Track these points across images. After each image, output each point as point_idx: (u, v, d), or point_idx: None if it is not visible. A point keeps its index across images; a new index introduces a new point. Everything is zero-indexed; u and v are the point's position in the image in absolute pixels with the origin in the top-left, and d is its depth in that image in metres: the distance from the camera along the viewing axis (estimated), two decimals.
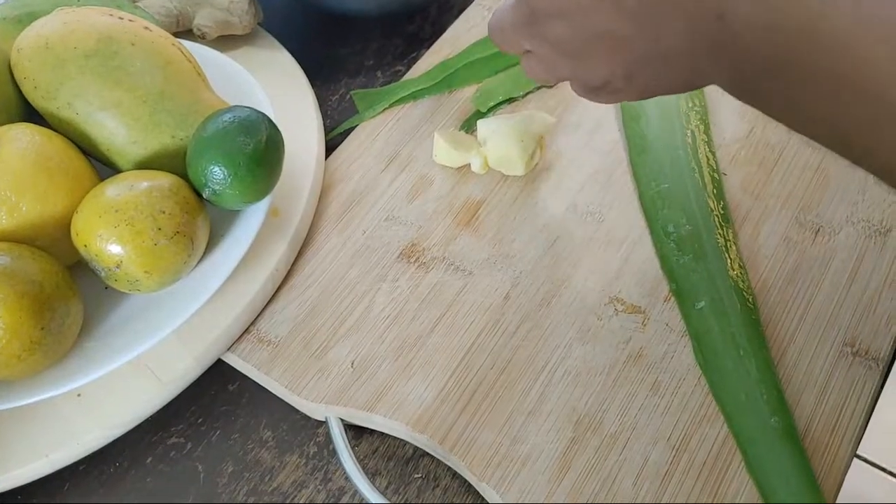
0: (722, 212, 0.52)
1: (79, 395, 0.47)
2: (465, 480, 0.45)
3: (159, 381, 0.48)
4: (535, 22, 0.41)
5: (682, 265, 0.50)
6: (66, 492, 0.48)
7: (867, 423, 0.44)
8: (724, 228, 0.51)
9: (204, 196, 0.48)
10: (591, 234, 0.52)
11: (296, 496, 0.46)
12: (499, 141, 0.54)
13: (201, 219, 0.48)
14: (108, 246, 0.44)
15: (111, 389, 0.48)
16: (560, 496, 0.43)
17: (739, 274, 0.49)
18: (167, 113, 0.49)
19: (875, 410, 0.45)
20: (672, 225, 0.51)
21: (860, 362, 0.46)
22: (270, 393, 0.50)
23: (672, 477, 0.43)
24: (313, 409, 0.48)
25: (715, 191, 0.53)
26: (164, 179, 0.47)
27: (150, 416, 0.49)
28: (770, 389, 0.45)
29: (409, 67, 0.65)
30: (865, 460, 0.43)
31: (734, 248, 0.50)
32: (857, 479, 0.43)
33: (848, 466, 0.43)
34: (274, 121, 0.50)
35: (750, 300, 0.48)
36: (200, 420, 0.50)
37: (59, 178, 0.47)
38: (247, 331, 0.51)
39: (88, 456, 0.48)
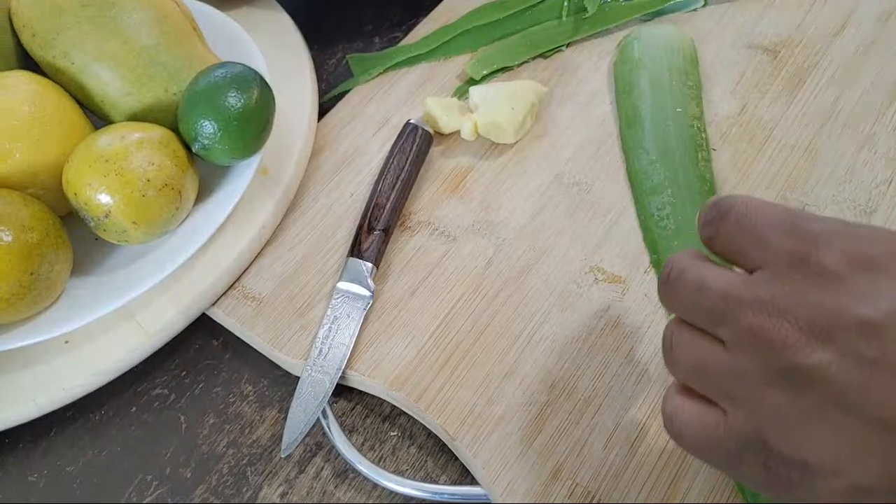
0: (708, 186, 0.52)
1: (66, 342, 0.48)
2: (440, 440, 0.46)
3: (145, 332, 0.49)
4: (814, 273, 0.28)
5: (664, 237, 0.50)
6: (53, 436, 0.49)
7: None
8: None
9: (194, 150, 0.49)
10: (577, 203, 0.53)
11: (273, 450, 0.47)
12: (489, 108, 0.54)
13: (191, 173, 0.49)
14: (97, 195, 0.45)
15: (98, 338, 0.49)
16: (531, 457, 0.43)
17: None
18: (161, 66, 0.49)
19: None
20: (657, 197, 0.52)
21: None
22: (253, 349, 0.51)
23: (641, 443, 0.44)
24: (294, 365, 0.49)
25: (703, 165, 0.53)
26: (156, 132, 0.48)
27: (136, 368, 0.50)
28: None
29: (406, 34, 0.65)
30: None
31: None
32: None
33: None
34: (267, 79, 0.50)
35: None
36: (184, 373, 0.51)
37: (53, 126, 0.47)
38: (232, 286, 0.52)
39: (75, 403, 0.49)
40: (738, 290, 0.30)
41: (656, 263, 0.50)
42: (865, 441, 0.26)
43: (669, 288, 0.33)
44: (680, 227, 0.50)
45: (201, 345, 0.52)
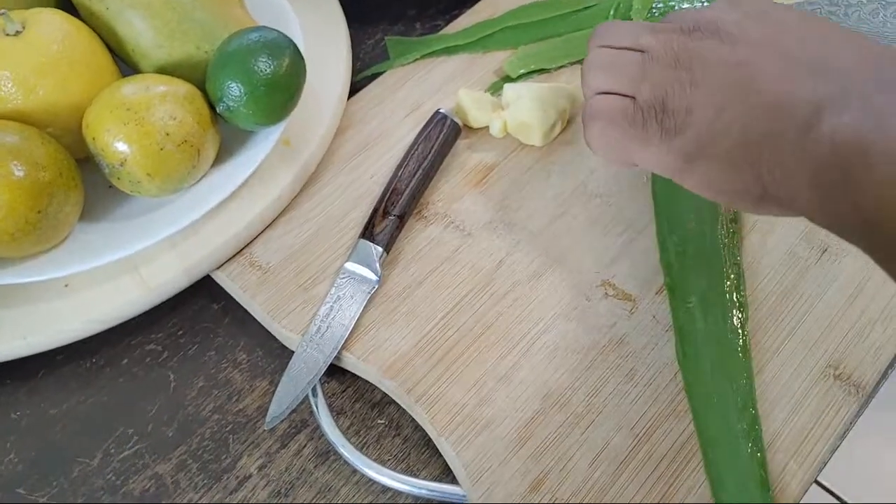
0: (732, 215, 0.51)
1: (66, 285, 0.48)
2: (426, 435, 0.45)
3: (146, 286, 0.48)
4: (694, 30, 0.41)
5: (681, 260, 0.49)
6: (41, 378, 0.49)
7: (834, 449, 0.44)
8: (731, 232, 0.50)
9: (218, 111, 0.48)
10: (597, 216, 0.52)
11: (258, 421, 0.47)
12: (521, 107, 0.54)
13: (212, 133, 0.48)
14: (114, 142, 0.45)
15: (98, 286, 0.48)
16: (514, 464, 0.43)
17: (734, 280, 0.48)
18: (196, 23, 0.49)
19: (846, 440, 0.44)
20: (679, 219, 0.51)
21: (840, 386, 0.45)
22: (252, 318, 0.50)
23: (629, 464, 0.43)
24: (291, 339, 0.48)
25: None
26: (182, 87, 0.47)
27: (133, 320, 0.50)
28: (744, 396, 0.44)
29: (449, 23, 0.64)
30: (823, 487, 0.43)
31: (737, 252, 0.50)
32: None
33: (805, 489, 0.42)
34: (301, 50, 0.49)
35: (742, 307, 0.48)
36: (181, 332, 0.51)
37: (80, 68, 0.47)
38: (240, 252, 0.51)
39: (67, 347, 0.49)
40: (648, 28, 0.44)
41: (669, 286, 0.49)
42: (721, 80, 0.39)
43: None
44: (698, 252, 0.49)
45: (201, 306, 0.52)
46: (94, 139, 0.45)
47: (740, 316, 0.47)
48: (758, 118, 0.37)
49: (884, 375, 0.46)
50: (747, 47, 0.39)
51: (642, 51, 0.42)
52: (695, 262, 0.49)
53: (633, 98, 0.42)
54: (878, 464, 0.41)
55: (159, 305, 0.50)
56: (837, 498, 0.41)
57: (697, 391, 0.45)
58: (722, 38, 0.40)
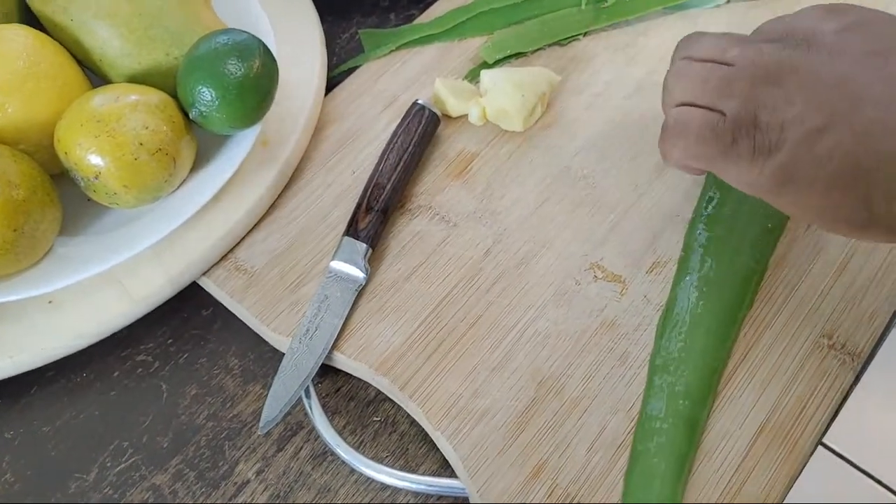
0: None
1: (50, 301, 0.48)
2: (423, 429, 0.45)
3: (131, 298, 0.48)
4: (788, 42, 0.39)
5: (701, 239, 0.49)
6: (33, 394, 0.48)
7: (834, 416, 0.44)
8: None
9: (191, 117, 0.47)
10: (582, 198, 0.52)
11: (253, 426, 0.47)
12: (499, 93, 0.53)
13: (187, 139, 0.47)
14: (87, 155, 0.44)
15: (82, 300, 0.48)
16: (512, 454, 0.42)
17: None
18: (163, 29, 0.48)
19: (846, 404, 0.44)
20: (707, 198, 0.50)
21: (834, 356, 0.45)
22: (241, 322, 0.50)
23: (626, 448, 0.42)
24: (281, 341, 0.48)
25: None
26: (153, 95, 0.47)
27: (122, 332, 0.49)
28: (699, 374, 0.44)
29: (423, 12, 0.63)
30: (830, 449, 0.42)
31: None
32: (820, 467, 0.42)
33: (808, 457, 0.42)
34: (272, 50, 0.49)
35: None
36: (171, 341, 0.50)
37: (48, 83, 0.46)
38: (224, 257, 0.51)
39: (58, 363, 0.48)
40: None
41: (682, 259, 0.48)
42: (820, 98, 0.36)
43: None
44: (721, 233, 0.49)
45: (190, 314, 0.51)
46: (66, 154, 0.45)
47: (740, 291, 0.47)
48: (863, 143, 0.35)
49: (879, 341, 0.46)
50: (847, 62, 0.36)
51: (729, 63, 0.40)
52: (711, 241, 0.49)
53: (722, 113, 0.39)
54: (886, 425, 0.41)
55: (148, 315, 0.49)
56: (846, 460, 0.41)
57: (658, 363, 0.45)
58: (818, 50, 0.37)
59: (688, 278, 0.47)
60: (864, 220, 0.36)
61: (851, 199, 0.36)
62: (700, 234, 0.49)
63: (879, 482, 0.41)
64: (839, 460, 0.42)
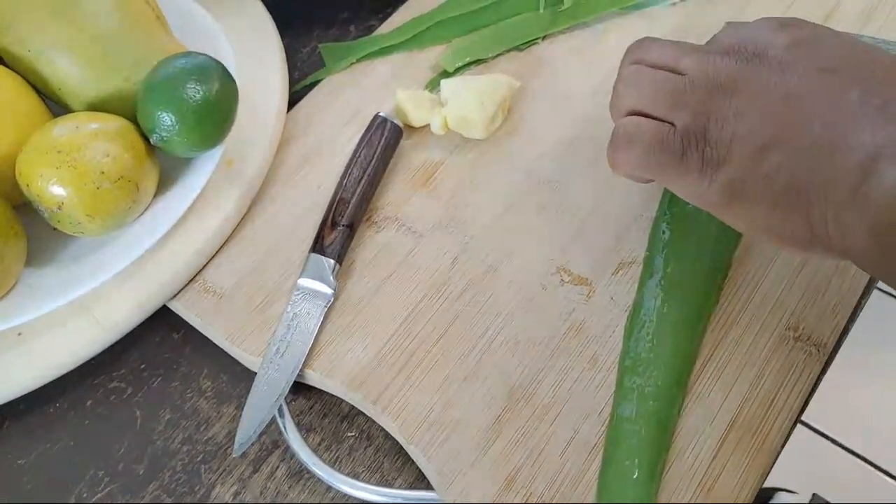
0: None
1: (19, 334, 0.47)
2: (398, 442, 0.45)
3: (100, 326, 0.48)
4: (738, 51, 0.39)
5: (664, 238, 0.49)
6: (6, 428, 0.48)
7: (803, 408, 0.44)
8: None
9: (152, 142, 0.47)
10: (546, 202, 0.52)
11: (229, 447, 0.47)
12: (459, 102, 0.53)
13: (149, 164, 0.47)
14: (49, 186, 0.44)
15: (52, 331, 0.48)
16: (486, 464, 0.43)
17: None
18: (121, 55, 0.48)
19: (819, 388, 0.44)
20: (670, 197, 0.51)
21: (801, 348, 0.45)
22: (213, 344, 0.50)
23: (599, 451, 0.43)
24: (252, 361, 0.48)
25: None
26: (113, 122, 0.47)
27: (94, 360, 0.49)
28: (668, 375, 0.44)
29: (382, 22, 0.64)
30: (812, 427, 0.42)
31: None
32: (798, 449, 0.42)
33: (780, 449, 0.43)
34: (230, 70, 0.49)
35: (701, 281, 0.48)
36: (143, 366, 0.50)
37: (7, 115, 0.46)
38: (193, 279, 0.51)
39: (30, 395, 0.48)
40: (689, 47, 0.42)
41: (647, 259, 0.49)
42: (769, 113, 0.36)
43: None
44: (680, 231, 0.49)
45: (161, 338, 0.51)
46: (28, 185, 0.45)
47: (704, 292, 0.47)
48: (807, 162, 0.35)
49: (844, 331, 0.47)
50: (796, 78, 0.36)
51: (681, 73, 0.40)
52: (672, 240, 0.49)
53: (671, 124, 0.39)
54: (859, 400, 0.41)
55: (119, 341, 0.49)
56: (823, 435, 0.41)
57: (628, 363, 0.45)
58: (769, 65, 0.37)
59: (653, 278, 0.47)
60: (807, 240, 0.36)
61: (795, 217, 0.36)
62: (664, 233, 0.49)
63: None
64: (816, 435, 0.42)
